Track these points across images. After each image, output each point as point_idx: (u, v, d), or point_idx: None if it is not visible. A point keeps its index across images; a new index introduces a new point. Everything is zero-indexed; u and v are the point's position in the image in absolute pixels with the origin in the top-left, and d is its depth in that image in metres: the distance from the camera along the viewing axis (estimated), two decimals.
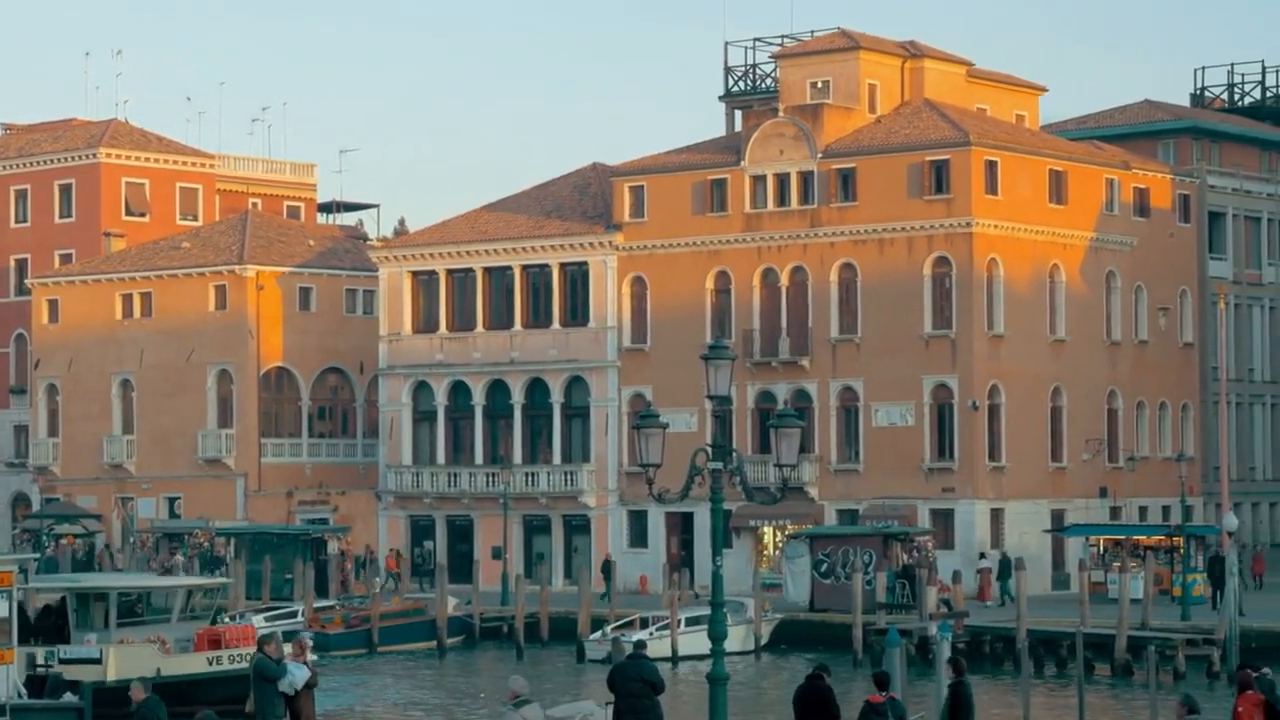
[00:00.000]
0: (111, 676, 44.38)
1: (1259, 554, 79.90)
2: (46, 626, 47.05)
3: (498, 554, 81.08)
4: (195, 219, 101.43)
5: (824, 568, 68.51)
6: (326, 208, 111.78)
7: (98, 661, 45.18)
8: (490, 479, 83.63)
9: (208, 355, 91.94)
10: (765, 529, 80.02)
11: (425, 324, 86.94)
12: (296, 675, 30.89)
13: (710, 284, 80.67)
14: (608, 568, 76.03)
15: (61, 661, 44.52)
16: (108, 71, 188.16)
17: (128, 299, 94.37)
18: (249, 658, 43.04)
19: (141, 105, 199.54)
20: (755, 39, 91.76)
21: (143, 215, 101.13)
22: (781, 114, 79.77)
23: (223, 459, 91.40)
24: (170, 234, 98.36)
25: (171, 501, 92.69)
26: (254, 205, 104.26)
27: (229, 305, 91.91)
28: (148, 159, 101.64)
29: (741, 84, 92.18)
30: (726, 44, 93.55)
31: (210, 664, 46.37)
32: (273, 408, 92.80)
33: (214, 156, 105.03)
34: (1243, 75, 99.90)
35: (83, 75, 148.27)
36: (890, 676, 29.64)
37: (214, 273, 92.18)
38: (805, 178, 78.86)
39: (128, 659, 45.34)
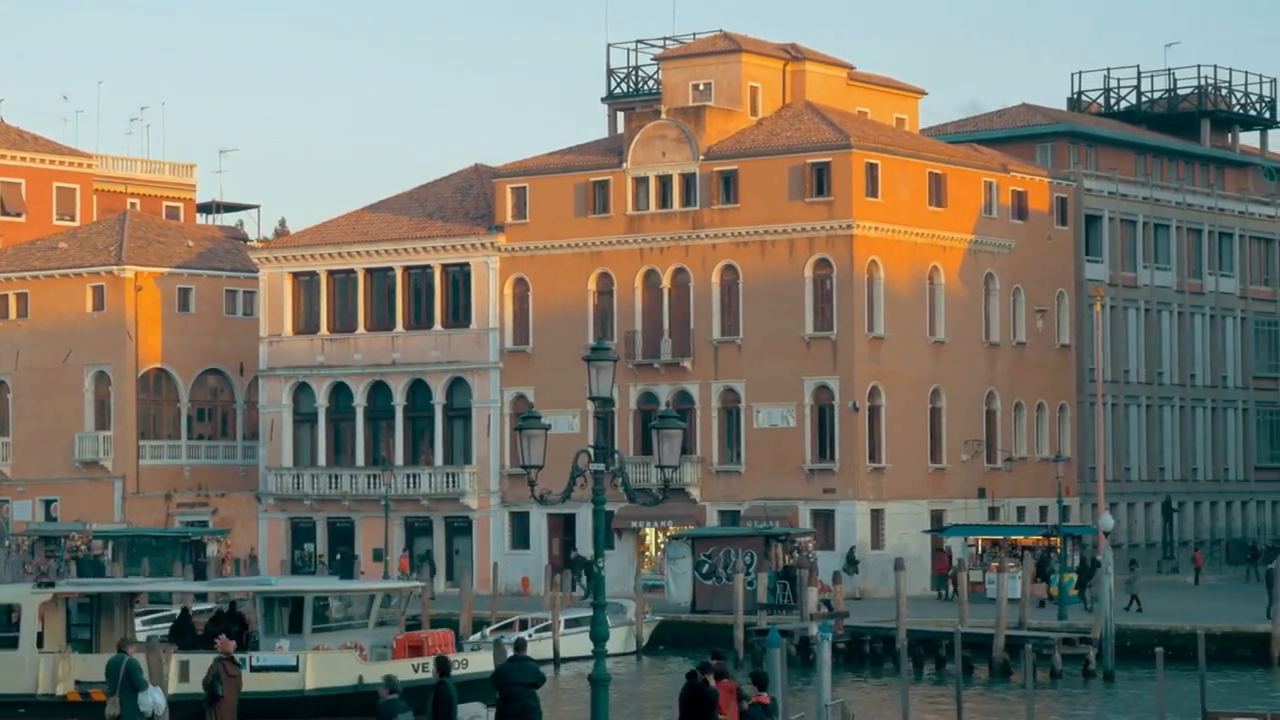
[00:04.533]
0: (310, 685, 42.07)
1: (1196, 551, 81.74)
2: (219, 633, 43.52)
3: (379, 556, 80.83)
4: (72, 219, 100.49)
5: (705, 569, 68.67)
6: (206, 208, 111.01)
7: (294, 669, 42.30)
8: (371, 481, 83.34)
9: (85, 356, 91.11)
10: (647, 530, 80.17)
11: (306, 325, 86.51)
12: (158, 700, 30.57)
13: (592, 285, 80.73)
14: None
15: (254, 669, 41.62)
16: None
17: (3, 300, 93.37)
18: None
19: (17, 104, 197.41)
20: (637, 41, 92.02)
21: (19, 215, 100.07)
22: (663, 116, 79.95)
23: (100, 461, 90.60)
24: (47, 234, 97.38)
25: (48, 504, 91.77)
26: (132, 205, 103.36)
27: (107, 306, 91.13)
28: (24, 158, 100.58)
29: (624, 86, 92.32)
30: (609, 46, 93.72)
31: (415, 671, 42.92)
32: (151, 409, 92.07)
33: (92, 156, 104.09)
34: (1118, 80, 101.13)
35: None
36: (769, 677, 29.80)
37: (91, 273, 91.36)
38: (687, 180, 79.07)
39: (327, 666, 42.59)
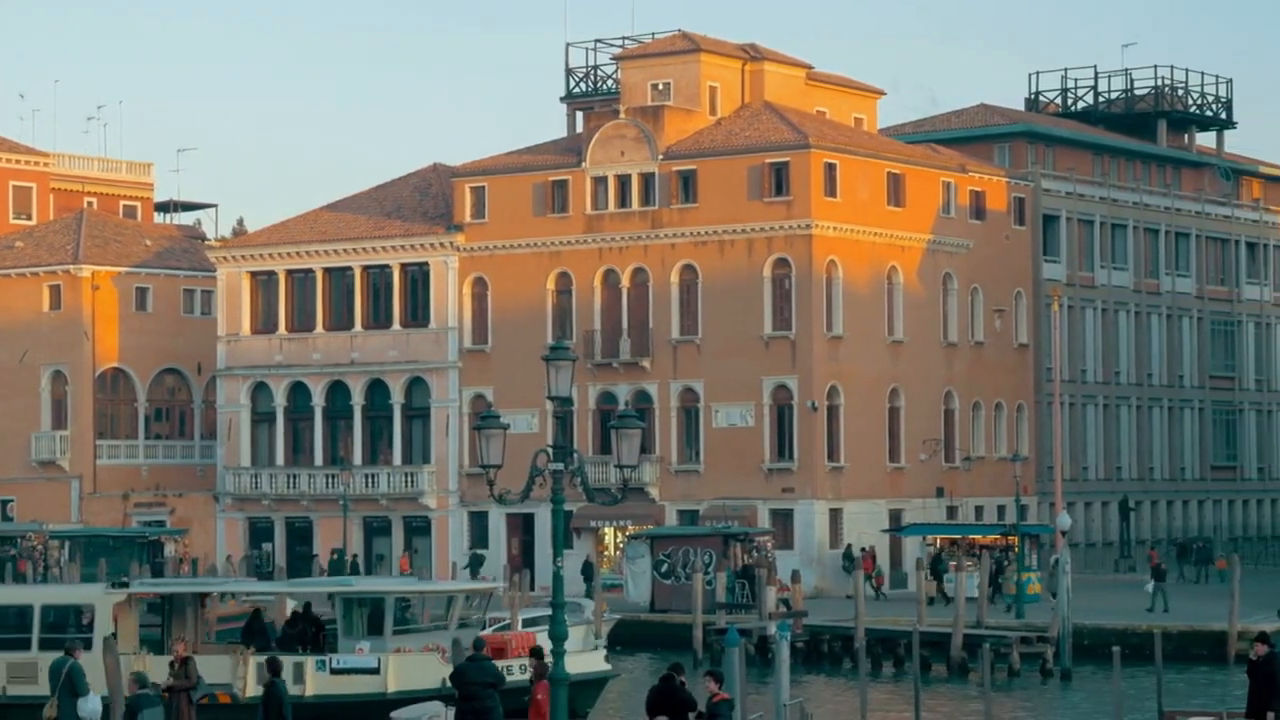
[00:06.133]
0: (393, 688, 40.82)
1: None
2: (294, 635, 43.26)
3: (338, 555, 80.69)
4: (29, 218, 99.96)
5: (664, 568, 68.72)
6: (164, 207, 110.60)
7: (375, 672, 40.93)
8: (330, 480, 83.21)
9: (42, 356, 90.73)
10: (606, 530, 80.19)
11: (264, 325, 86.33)
12: (95, 708, 30.46)
13: (551, 285, 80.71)
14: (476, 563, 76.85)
15: (334, 672, 40.87)
16: None
17: None
18: (525, 667, 41.24)
19: None
20: (596, 40, 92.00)
21: None
22: (622, 115, 79.97)
23: (57, 461, 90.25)
24: (3, 233, 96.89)
25: (4, 504, 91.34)
26: (89, 204, 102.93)
27: (64, 305, 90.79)
28: None
29: (583, 85, 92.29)
30: (568, 45, 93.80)
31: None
32: (108, 409, 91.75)
33: (48, 155, 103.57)
34: (1075, 80, 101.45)
35: None
36: (724, 675, 29.86)
37: (48, 272, 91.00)
38: (646, 179, 79.11)
39: (409, 669, 41.28)
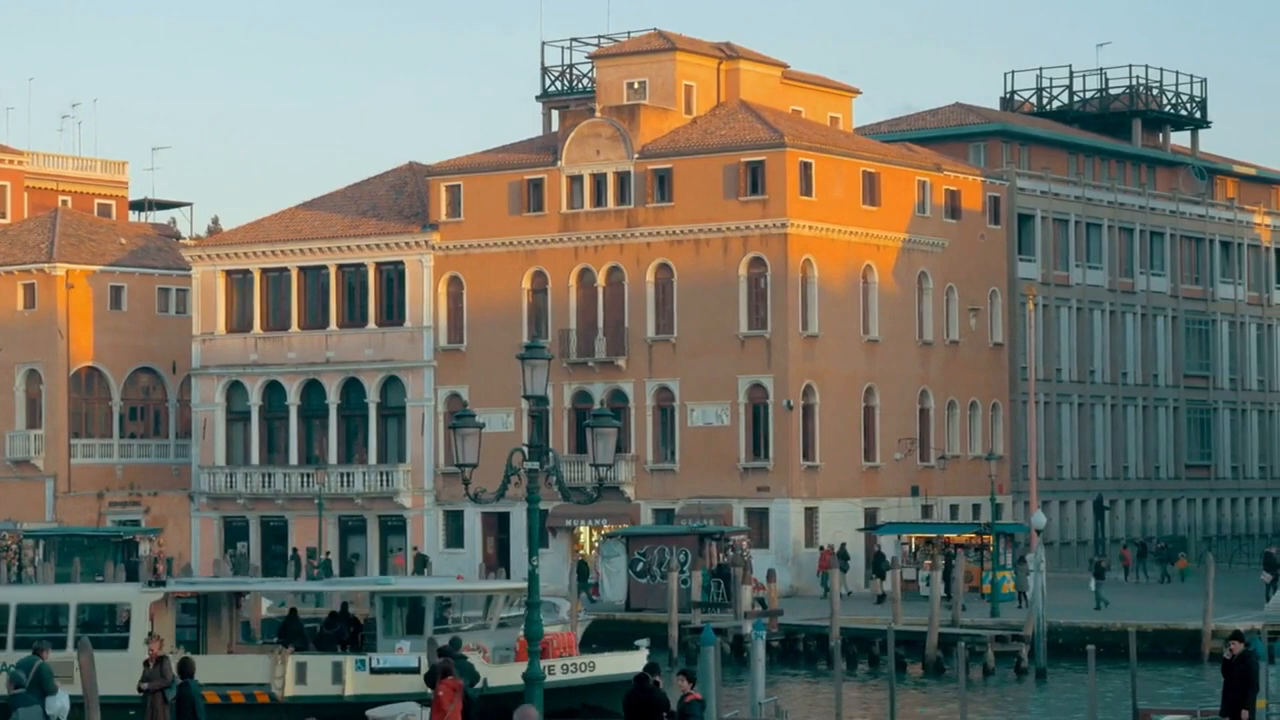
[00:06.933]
0: None
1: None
2: (332, 635, 42.87)
3: (312, 554, 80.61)
4: (3, 216, 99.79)
5: (640, 567, 68.72)
6: (138, 206, 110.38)
7: (416, 671, 39.85)
8: (305, 480, 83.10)
9: (16, 355, 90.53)
10: (582, 529, 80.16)
11: (239, 323, 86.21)
12: (64, 705, 30.38)
13: (527, 284, 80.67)
14: (422, 563, 76.31)
15: (374, 671, 40.42)
16: None
17: None
18: (575, 667, 40.61)
19: None
20: (572, 39, 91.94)
21: None
22: (598, 114, 79.95)
23: (31, 460, 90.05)
24: None
25: None
26: (64, 203, 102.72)
27: (38, 304, 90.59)
28: None
29: (558, 84, 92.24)
30: (543, 44, 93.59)
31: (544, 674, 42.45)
32: (83, 408, 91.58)
33: (23, 153, 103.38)
34: (1050, 80, 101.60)
35: None
36: (695, 674, 29.89)
37: (23, 271, 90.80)
38: (621, 178, 79.09)
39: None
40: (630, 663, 43.26)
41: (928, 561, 70.42)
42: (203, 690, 40.86)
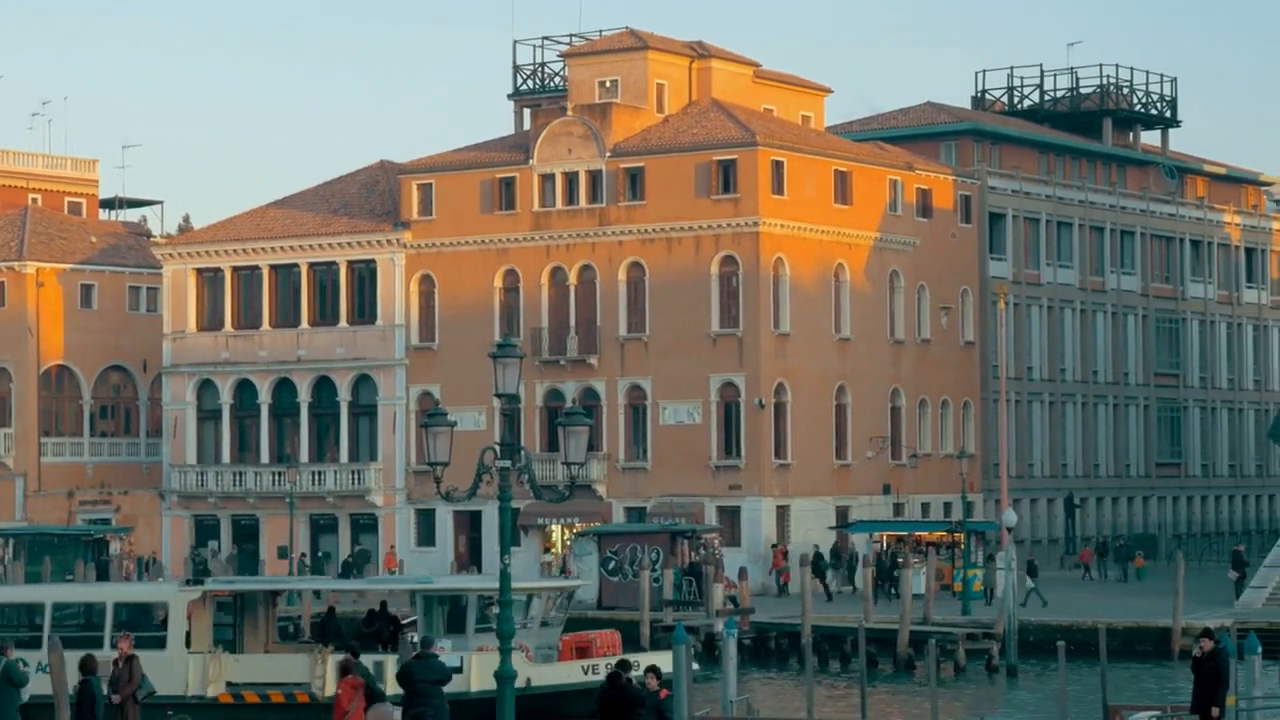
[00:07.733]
0: (476, 686, 39.95)
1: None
2: (371, 634, 42.48)
3: (284, 553, 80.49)
4: None
5: (612, 565, 68.73)
6: (109, 204, 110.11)
7: (458, 671, 39.24)
8: (276, 478, 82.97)
9: None
10: (553, 527, 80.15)
11: (210, 322, 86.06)
12: (30, 689, 30.32)
13: (499, 282, 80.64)
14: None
15: None
16: None
17: None
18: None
19: None
20: (544, 38, 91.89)
21: None
22: (570, 113, 79.94)
23: (1, 459, 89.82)
24: None
25: None
26: (34, 201, 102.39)
27: (8, 302, 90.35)
28: None
29: (530, 83, 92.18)
30: (515, 42, 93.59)
31: (585, 673, 41.21)
32: (53, 406, 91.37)
33: None
34: (1022, 79, 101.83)
35: None
36: (659, 669, 29.92)
37: None
38: (593, 177, 79.10)
39: (494, 668, 40.76)
40: (666, 662, 43.14)
41: (899, 559, 70.50)
42: (242, 690, 40.70)
